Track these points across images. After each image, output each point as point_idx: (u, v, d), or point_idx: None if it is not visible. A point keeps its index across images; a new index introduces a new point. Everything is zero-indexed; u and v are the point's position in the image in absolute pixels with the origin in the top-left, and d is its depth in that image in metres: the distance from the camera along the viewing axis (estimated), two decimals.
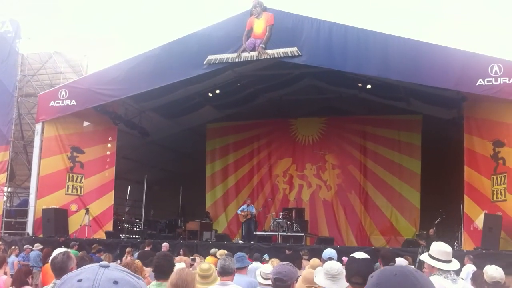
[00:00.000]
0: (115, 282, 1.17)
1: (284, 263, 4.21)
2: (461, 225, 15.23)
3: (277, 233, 17.80)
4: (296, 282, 4.34)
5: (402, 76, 15.11)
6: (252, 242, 16.40)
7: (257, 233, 18.54)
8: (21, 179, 21.52)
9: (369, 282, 1.50)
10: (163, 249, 13.33)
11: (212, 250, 12.21)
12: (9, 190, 20.28)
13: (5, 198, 18.97)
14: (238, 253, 6.52)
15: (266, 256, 11.84)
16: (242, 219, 19.22)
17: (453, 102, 16.19)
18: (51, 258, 4.87)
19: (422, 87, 15.66)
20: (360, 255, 3.57)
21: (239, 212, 19.45)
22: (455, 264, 4.52)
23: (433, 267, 4.47)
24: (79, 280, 1.17)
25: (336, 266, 3.97)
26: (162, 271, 4.70)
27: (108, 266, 1.22)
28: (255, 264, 8.74)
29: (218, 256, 9.68)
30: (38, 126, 18.31)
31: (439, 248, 4.55)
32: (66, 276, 1.22)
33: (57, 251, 6.50)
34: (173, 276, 4.03)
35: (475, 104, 15.09)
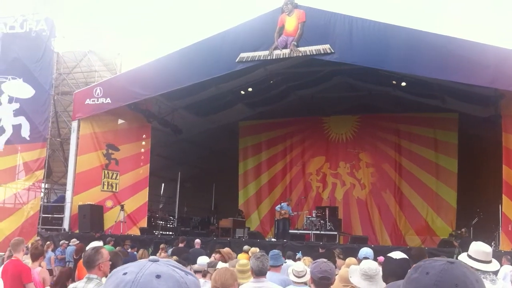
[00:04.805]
0: (158, 276, 1.18)
1: (324, 260, 4.17)
2: (499, 225, 14.89)
3: (310, 232, 17.71)
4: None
5: (436, 74, 14.81)
6: (285, 240, 16.35)
7: (290, 231, 18.48)
8: (58, 176, 21.97)
9: (424, 277, 1.36)
10: (196, 246, 13.43)
11: (245, 247, 12.20)
12: (46, 187, 20.71)
13: (42, 195, 19.37)
14: (274, 250, 6.43)
15: (299, 254, 11.78)
16: (278, 217, 19.12)
17: (490, 100, 15.83)
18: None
19: (458, 84, 15.35)
20: (397, 255, 3.48)
21: (277, 209, 19.29)
22: (494, 265, 4.39)
23: (471, 267, 4.35)
24: (124, 274, 1.19)
25: (374, 266, 3.90)
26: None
27: (157, 261, 1.23)
28: (288, 262, 8.69)
29: (250, 254, 9.65)
30: (74, 124, 18.63)
31: (478, 248, 4.42)
32: (115, 269, 1.25)
33: (92, 245, 6.59)
34: (214, 275, 4.10)
35: None
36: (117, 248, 11.39)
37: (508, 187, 14.56)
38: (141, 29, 48.46)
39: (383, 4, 42.33)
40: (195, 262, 7.70)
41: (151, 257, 1.25)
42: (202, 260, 7.54)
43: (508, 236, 14.20)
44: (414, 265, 1.46)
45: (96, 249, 4.53)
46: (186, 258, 9.15)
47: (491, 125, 16.31)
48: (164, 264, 1.22)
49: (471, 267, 4.32)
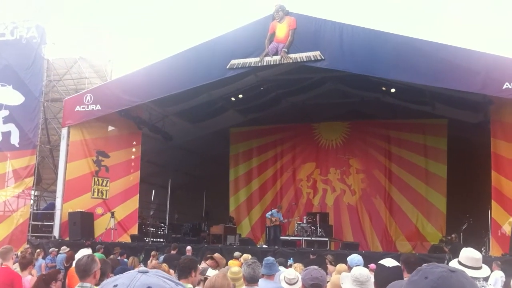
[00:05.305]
0: None
1: (315, 267, 4.18)
2: (488, 231, 14.98)
3: (301, 238, 17.71)
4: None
5: (427, 80, 14.91)
6: (276, 247, 16.34)
7: (282, 237, 18.47)
8: (47, 183, 21.81)
9: (422, 281, 1.36)
10: (187, 253, 13.39)
11: (236, 254, 12.19)
12: (36, 194, 20.56)
13: (32, 202, 19.25)
14: (268, 258, 6.29)
15: (291, 261, 11.78)
16: (269, 224, 19.10)
17: (479, 106, 15.97)
18: (76, 260, 4.91)
19: (447, 91, 15.46)
20: (389, 262, 3.49)
21: (268, 216, 19.27)
22: (485, 271, 4.42)
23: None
24: (115, 286, 1.18)
25: (365, 273, 3.92)
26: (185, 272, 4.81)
27: (146, 272, 1.23)
28: (280, 268, 8.67)
29: (242, 260, 9.64)
30: (64, 131, 18.54)
31: (468, 254, 4.45)
32: (105, 281, 1.24)
33: (82, 252, 6.53)
34: (207, 283, 4.10)
35: (502, 108, 14.84)
36: (111, 256, 11.31)
37: (496, 193, 14.66)
38: (140, 29, 48.41)
39: (382, 5, 42.58)
40: None
41: (141, 268, 1.25)
42: None
43: (498, 241, 14.28)
44: (418, 267, 1.47)
45: (92, 257, 4.51)
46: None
47: (481, 130, 16.42)
48: (154, 275, 1.22)
49: None
